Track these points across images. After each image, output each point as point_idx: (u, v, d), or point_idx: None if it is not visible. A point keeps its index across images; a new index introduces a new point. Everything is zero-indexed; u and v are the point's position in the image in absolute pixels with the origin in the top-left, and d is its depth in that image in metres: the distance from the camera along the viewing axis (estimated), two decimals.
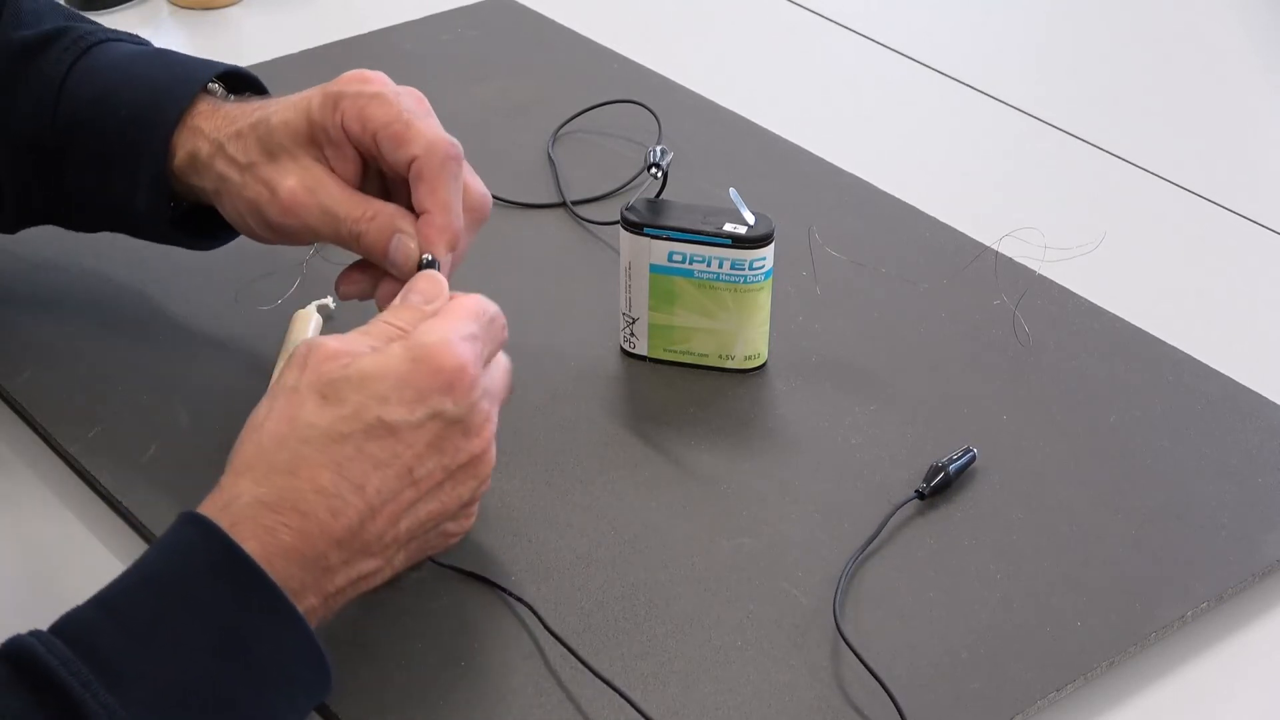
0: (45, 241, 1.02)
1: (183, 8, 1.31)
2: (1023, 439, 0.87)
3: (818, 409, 0.89)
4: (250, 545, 0.66)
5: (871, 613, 0.77)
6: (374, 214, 0.82)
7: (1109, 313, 0.97)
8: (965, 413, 0.89)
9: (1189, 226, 1.09)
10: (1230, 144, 1.20)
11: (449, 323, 0.73)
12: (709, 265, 0.88)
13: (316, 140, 0.83)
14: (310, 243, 0.88)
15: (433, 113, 0.84)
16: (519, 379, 0.91)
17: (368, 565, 0.70)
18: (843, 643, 0.75)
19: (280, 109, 0.85)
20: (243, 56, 1.23)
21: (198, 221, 0.90)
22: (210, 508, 0.68)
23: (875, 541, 0.80)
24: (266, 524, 0.67)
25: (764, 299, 0.90)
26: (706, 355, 0.91)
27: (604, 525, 0.82)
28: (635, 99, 1.14)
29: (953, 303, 0.97)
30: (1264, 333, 0.99)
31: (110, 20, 1.30)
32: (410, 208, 0.83)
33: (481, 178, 1.07)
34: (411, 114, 0.82)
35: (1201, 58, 1.32)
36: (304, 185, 0.83)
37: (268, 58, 1.22)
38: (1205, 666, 0.78)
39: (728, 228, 0.88)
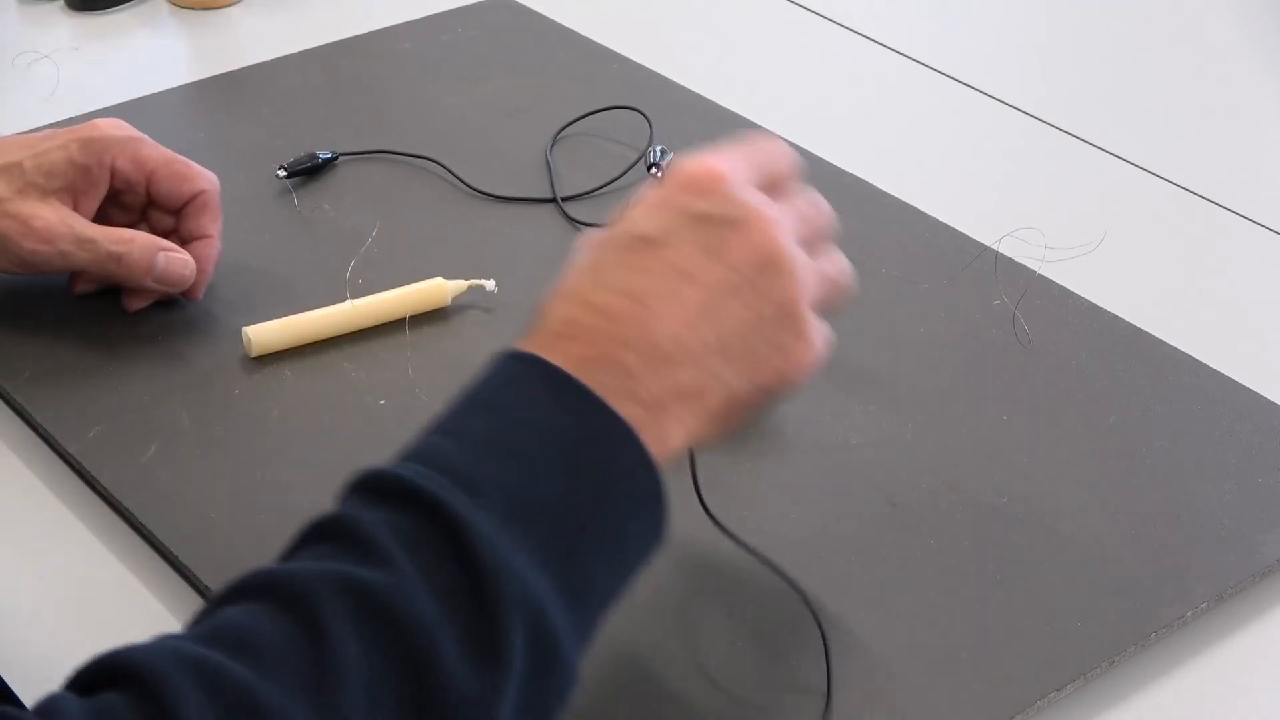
0: None
1: (182, 8, 1.31)
2: (1023, 439, 0.87)
3: (818, 409, 0.89)
4: (555, 360, 0.66)
5: (871, 612, 0.77)
6: (131, 237, 0.93)
7: (1109, 313, 0.97)
8: (965, 413, 0.89)
9: (1189, 226, 1.09)
10: (1230, 144, 1.20)
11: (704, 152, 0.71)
12: None
13: (73, 182, 0.93)
14: (60, 270, 0.95)
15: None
16: None
17: (682, 375, 0.66)
18: (835, 643, 0.75)
19: (32, 156, 0.93)
20: (243, 56, 1.23)
21: None
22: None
23: (874, 541, 0.80)
24: (558, 346, 0.66)
25: None
26: None
27: None
28: (635, 100, 1.14)
29: (953, 303, 0.97)
30: (1264, 333, 0.99)
31: (110, 20, 1.30)
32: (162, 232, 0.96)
33: (480, 177, 1.08)
34: (181, 156, 0.96)
35: (1201, 58, 1.32)
36: (58, 216, 0.92)
37: (267, 57, 1.22)
38: (1205, 666, 0.78)
39: None
